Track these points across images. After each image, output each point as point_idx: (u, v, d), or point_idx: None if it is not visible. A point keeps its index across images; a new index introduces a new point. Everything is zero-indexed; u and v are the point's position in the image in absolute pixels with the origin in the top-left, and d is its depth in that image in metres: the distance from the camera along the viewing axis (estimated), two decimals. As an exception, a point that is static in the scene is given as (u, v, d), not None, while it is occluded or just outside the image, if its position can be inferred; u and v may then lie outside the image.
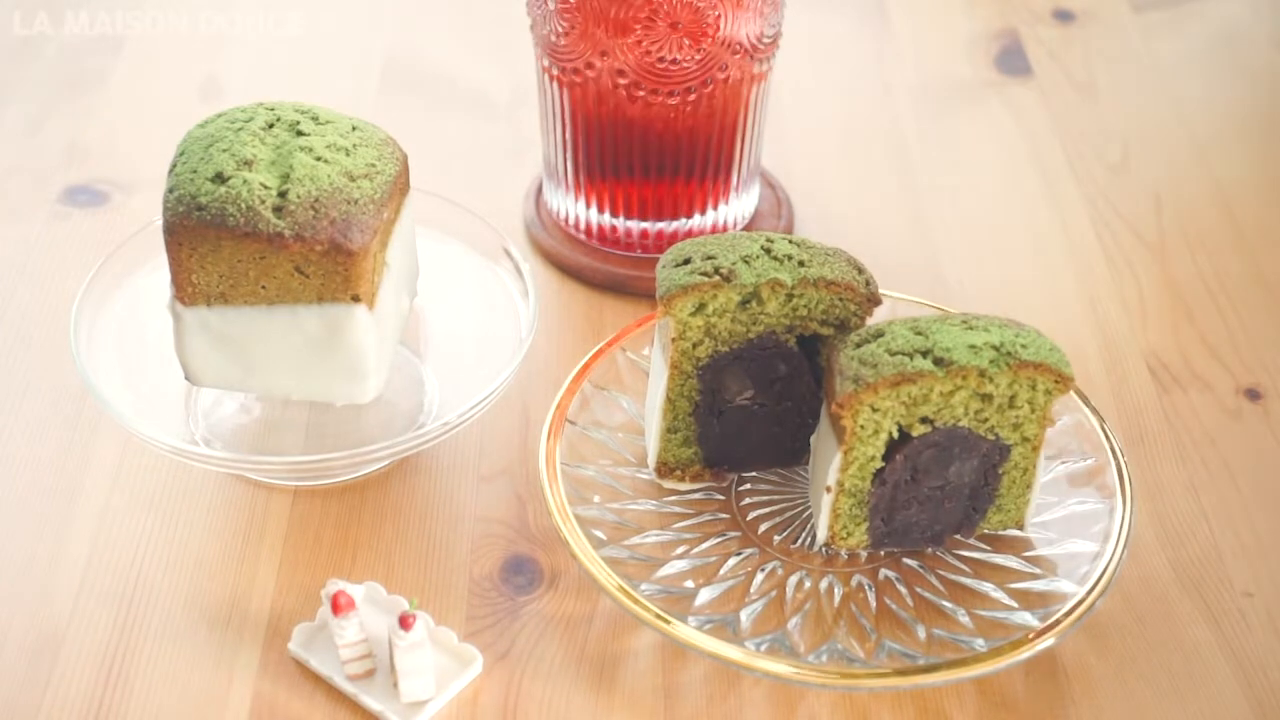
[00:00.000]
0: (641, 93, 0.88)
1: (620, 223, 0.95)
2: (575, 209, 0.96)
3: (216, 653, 0.74)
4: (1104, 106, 1.13)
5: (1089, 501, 0.79)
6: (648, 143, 0.90)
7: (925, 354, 0.72)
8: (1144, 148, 1.09)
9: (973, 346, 0.72)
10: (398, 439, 0.77)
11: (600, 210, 0.95)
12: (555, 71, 0.90)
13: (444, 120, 1.10)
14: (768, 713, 0.73)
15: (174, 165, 0.76)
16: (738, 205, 0.96)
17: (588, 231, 0.96)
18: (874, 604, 0.76)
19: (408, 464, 0.84)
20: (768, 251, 0.76)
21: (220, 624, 0.76)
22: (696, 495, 0.81)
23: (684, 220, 0.95)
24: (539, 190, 1.01)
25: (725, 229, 0.96)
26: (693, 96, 0.88)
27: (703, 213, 0.95)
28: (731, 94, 0.90)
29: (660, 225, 0.95)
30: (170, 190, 0.75)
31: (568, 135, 0.93)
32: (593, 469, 0.81)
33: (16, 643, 0.75)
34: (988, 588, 0.76)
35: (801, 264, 0.76)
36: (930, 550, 0.78)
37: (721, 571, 0.77)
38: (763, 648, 0.72)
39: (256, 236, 0.73)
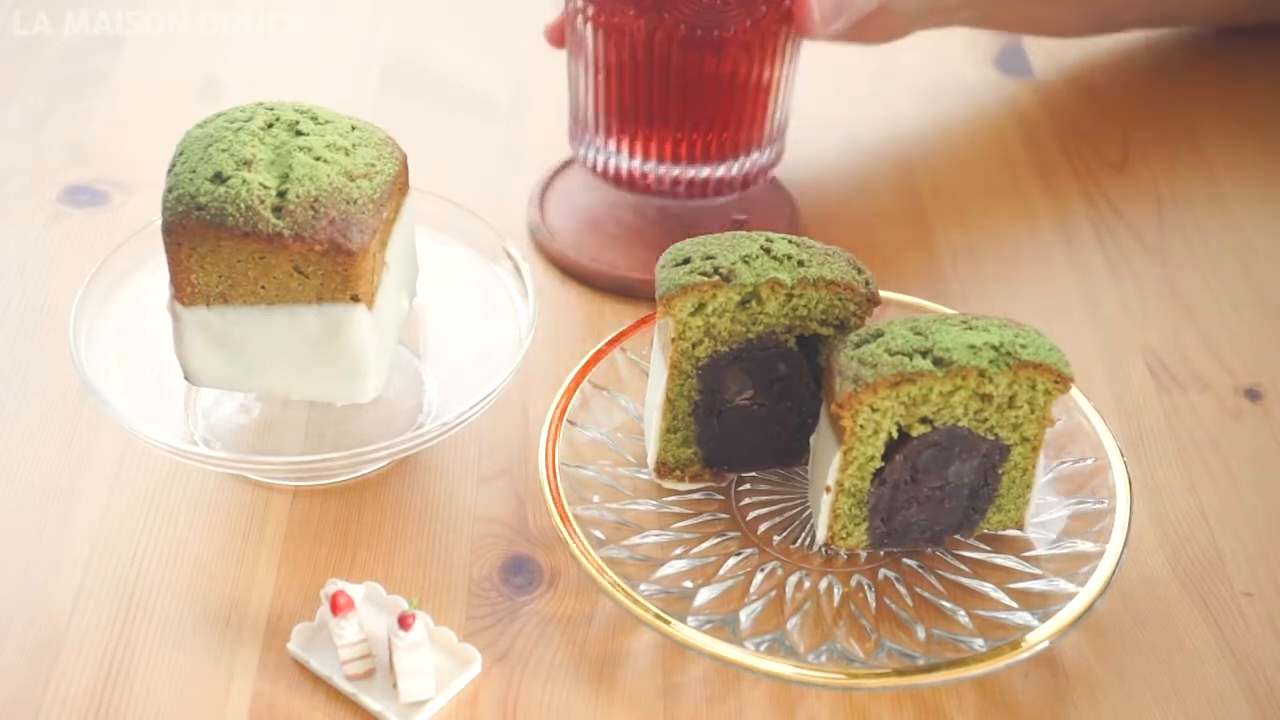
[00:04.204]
0: (681, 29, 0.88)
1: (652, 168, 0.95)
2: (604, 155, 0.96)
3: (216, 653, 0.74)
4: (1104, 106, 1.13)
5: (1089, 501, 0.79)
6: (685, 85, 0.90)
7: (925, 354, 0.72)
8: (1144, 148, 1.09)
9: (972, 346, 0.72)
10: (398, 439, 0.77)
11: (632, 156, 0.95)
12: (591, 12, 0.90)
13: (444, 120, 1.10)
14: (767, 713, 0.72)
15: (173, 165, 0.76)
16: (763, 156, 0.97)
17: (617, 178, 0.96)
18: (873, 604, 0.76)
19: (408, 464, 0.84)
20: (767, 251, 0.76)
21: (220, 624, 0.76)
22: (696, 495, 0.81)
23: (715, 166, 0.95)
24: (540, 190, 1.01)
25: (752, 180, 0.97)
26: (732, 31, 0.88)
27: (734, 158, 0.95)
28: (768, 36, 0.90)
29: (692, 171, 0.95)
30: (169, 190, 0.75)
31: (600, 78, 0.92)
32: (593, 469, 0.81)
33: (16, 643, 0.75)
34: (987, 588, 0.76)
35: (801, 264, 0.76)
36: (930, 550, 0.78)
37: (721, 571, 0.77)
38: (762, 648, 0.72)
39: (256, 236, 0.73)
